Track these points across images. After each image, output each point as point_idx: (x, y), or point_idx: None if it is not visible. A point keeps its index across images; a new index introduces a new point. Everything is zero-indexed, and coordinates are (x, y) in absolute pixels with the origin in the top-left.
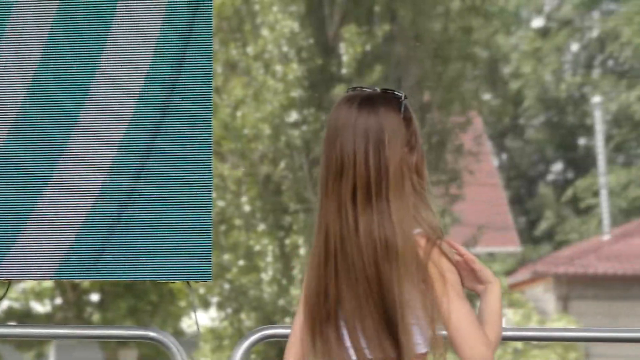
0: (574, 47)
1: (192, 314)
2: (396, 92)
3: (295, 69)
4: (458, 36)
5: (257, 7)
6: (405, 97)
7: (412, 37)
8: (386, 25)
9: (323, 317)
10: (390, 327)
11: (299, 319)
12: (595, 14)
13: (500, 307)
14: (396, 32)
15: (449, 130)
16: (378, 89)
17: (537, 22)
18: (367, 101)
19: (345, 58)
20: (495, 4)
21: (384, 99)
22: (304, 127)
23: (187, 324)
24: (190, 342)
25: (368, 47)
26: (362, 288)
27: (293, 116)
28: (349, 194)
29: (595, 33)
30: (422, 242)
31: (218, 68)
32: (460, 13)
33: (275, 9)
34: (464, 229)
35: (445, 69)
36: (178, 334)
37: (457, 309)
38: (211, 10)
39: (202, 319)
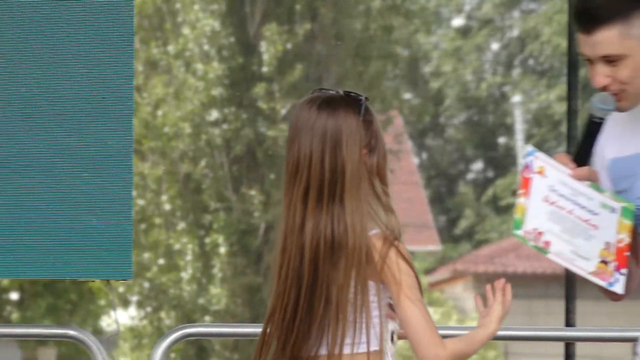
0: (495, 46)
1: (112, 313)
2: (356, 95)
3: (216, 68)
4: (379, 35)
5: (178, 5)
6: (366, 100)
7: (333, 36)
8: (307, 24)
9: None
10: (318, 325)
11: None
12: (516, 14)
13: (478, 342)
14: (317, 30)
15: None
16: (341, 92)
17: (458, 21)
18: (327, 103)
19: (266, 57)
20: (415, 3)
21: (344, 101)
22: (225, 126)
23: (107, 322)
24: (110, 341)
25: (289, 46)
26: (292, 286)
27: (214, 115)
28: (301, 193)
29: (515, 32)
30: (378, 243)
31: (139, 67)
32: (381, 12)
33: (196, 7)
34: None
35: (365, 68)
36: (98, 332)
37: (412, 312)
38: (132, 9)
39: (122, 318)
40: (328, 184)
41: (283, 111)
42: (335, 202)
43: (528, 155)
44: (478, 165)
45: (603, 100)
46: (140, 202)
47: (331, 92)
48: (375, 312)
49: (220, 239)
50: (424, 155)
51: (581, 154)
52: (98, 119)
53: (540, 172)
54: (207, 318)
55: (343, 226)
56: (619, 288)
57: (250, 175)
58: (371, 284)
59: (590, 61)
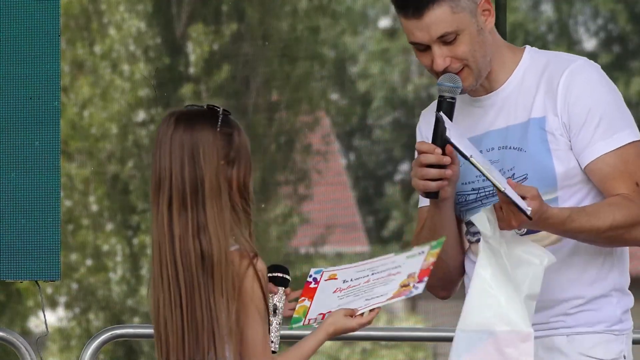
0: None
1: (41, 314)
2: (215, 108)
3: (142, 68)
4: (305, 36)
5: (103, 6)
6: (226, 112)
7: (260, 37)
8: (234, 25)
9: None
10: (198, 340)
11: None
12: None
13: (310, 347)
14: (244, 31)
15: (297, 130)
16: (204, 106)
17: (384, 23)
18: (185, 116)
19: (192, 57)
20: (342, 4)
21: (202, 115)
22: (152, 127)
23: (35, 323)
24: (38, 342)
25: (215, 47)
26: (174, 296)
27: (141, 115)
28: (166, 204)
29: None
30: (236, 260)
31: (65, 67)
32: (308, 12)
33: (121, 8)
34: (313, 229)
35: (293, 68)
36: (26, 333)
37: (252, 333)
38: (59, 9)
39: (50, 319)
40: (190, 195)
41: None
42: (199, 212)
43: (315, 274)
44: (405, 166)
45: (450, 79)
46: (68, 203)
47: (195, 106)
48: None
49: (148, 240)
50: (352, 157)
51: (440, 136)
52: (25, 119)
53: (330, 278)
54: (136, 319)
55: (208, 236)
56: (419, 292)
57: None
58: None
59: (421, 49)
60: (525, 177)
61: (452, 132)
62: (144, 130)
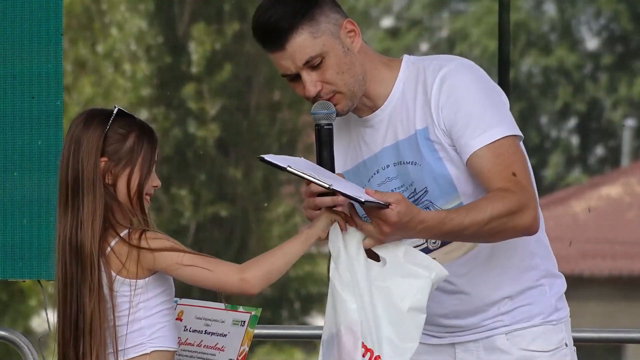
0: (424, 47)
1: (43, 313)
2: (113, 109)
3: (144, 68)
4: None
5: (105, 5)
6: (125, 114)
7: None
8: (236, 24)
9: None
10: (80, 336)
11: None
12: (445, 14)
13: (291, 248)
14: (246, 30)
15: (299, 130)
16: (115, 107)
17: (387, 22)
18: (88, 115)
19: (195, 57)
20: (344, 3)
21: (99, 114)
22: (154, 126)
23: (38, 323)
24: (41, 341)
25: (218, 46)
26: (64, 293)
27: (143, 114)
28: (58, 196)
29: (444, 33)
30: (121, 246)
31: (68, 66)
32: None
33: (123, 7)
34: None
35: None
36: (28, 333)
37: (190, 271)
38: (61, 9)
39: (52, 318)
40: (71, 188)
41: (212, 111)
42: (76, 205)
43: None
44: None
45: (323, 106)
46: None
47: (105, 109)
48: (144, 313)
49: None
50: None
51: (324, 164)
52: (27, 118)
53: (178, 318)
54: None
55: (82, 229)
56: None
57: (180, 175)
58: (125, 286)
59: (293, 79)
60: (425, 190)
61: (279, 158)
62: None
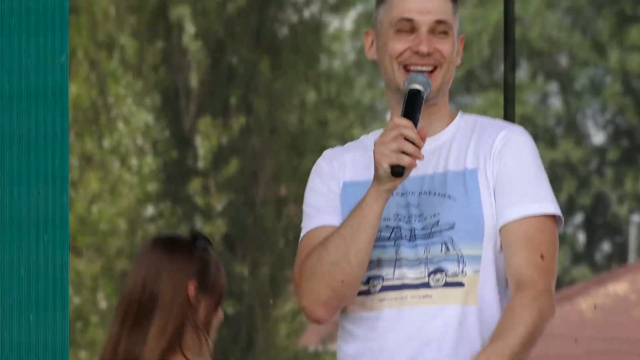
0: None
1: None
2: (198, 234)
3: (151, 162)
4: (314, 128)
5: (112, 99)
6: (207, 241)
7: (268, 130)
8: (242, 118)
9: None
10: None
11: None
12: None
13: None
14: (252, 124)
15: None
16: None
17: None
18: (161, 240)
19: (201, 151)
20: (350, 97)
21: (179, 238)
22: (160, 222)
23: None
24: None
25: (224, 140)
26: None
27: (149, 210)
28: (121, 315)
29: None
30: None
31: (74, 161)
32: (316, 105)
33: (129, 101)
34: (322, 326)
35: (301, 161)
36: None
37: None
38: (67, 102)
39: None
40: (144, 306)
41: (219, 206)
42: (145, 322)
43: None
44: None
45: (424, 76)
46: (76, 300)
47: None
48: None
49: None
50: None
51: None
52: (32, 214)
53: None
54: None
55: (146, 345)
56: None
57: None
58: None
59: (405, 29)
60: (452, 226)
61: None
62: (153, 226)
